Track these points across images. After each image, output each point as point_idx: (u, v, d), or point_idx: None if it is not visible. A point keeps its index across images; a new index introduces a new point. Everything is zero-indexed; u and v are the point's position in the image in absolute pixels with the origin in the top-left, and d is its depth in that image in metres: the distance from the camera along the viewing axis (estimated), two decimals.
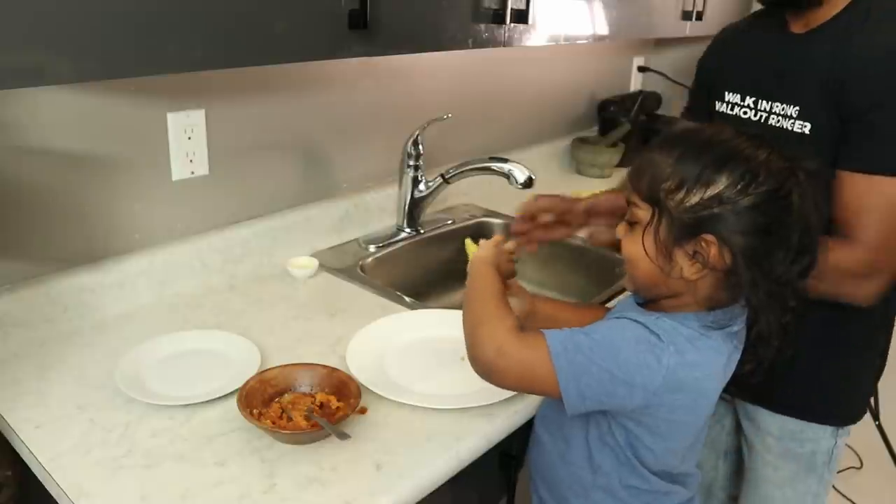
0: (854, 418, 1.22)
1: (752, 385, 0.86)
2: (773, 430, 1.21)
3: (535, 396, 1.02)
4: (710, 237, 0.79)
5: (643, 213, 0.84)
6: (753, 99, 1.12)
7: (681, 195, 0.80)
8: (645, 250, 0.84)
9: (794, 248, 0.79)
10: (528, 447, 1.03)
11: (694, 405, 0.85)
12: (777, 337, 0.82)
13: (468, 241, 1.07)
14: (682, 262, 0.82)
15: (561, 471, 0.95)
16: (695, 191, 0.79)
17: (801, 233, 0.79)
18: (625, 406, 0.82)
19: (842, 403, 1.20)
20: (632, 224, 0.86)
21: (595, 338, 0.81)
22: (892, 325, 1.22)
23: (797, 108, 1.05)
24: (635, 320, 0.83)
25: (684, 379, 0.81)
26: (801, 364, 0.99)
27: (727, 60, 1.19)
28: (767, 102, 1.10)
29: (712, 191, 0.79)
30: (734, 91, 1.15)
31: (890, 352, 1.29)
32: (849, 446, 2.14)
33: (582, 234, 1.13)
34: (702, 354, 0.82)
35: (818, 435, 1.19)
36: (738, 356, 0.88)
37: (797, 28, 1.08)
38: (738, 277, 0.79)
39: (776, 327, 0.81)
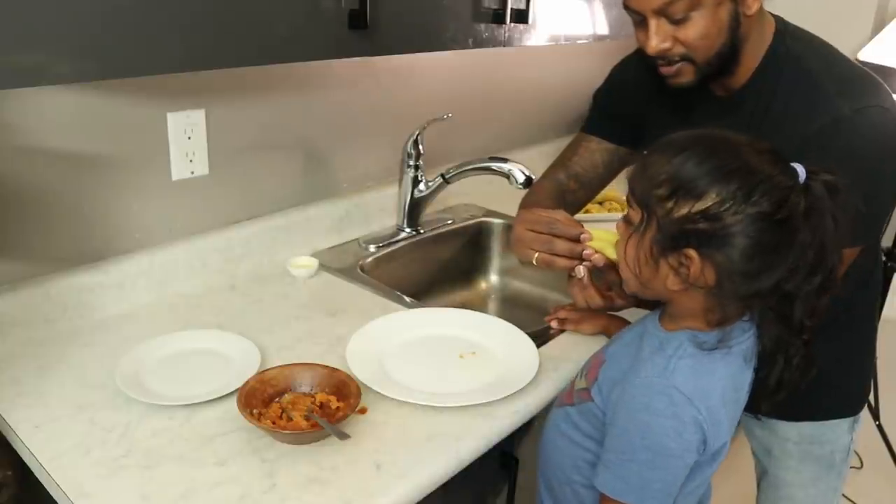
0: (864, 397, 1.24)
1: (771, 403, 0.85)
2: (792, 436, 1.22)
3: (534, 396, 1.03)
4: (692, 253, 0.76)
5: (635, 215, 0.82)
6: None
7: (670, 204, 0.77)
8: (625, 253, 0.82)
9: (805, 267, 0.75)
10: (539, 449, 1.02)
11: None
12: (794, 354, 0.79)
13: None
14: (666, 273, 0.79)
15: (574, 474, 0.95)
16: (684, 202, 0.76)
17: (815, 251, 0.75)
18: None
19: (851, 391, 1.21)
20: (628, 223, 0.84)
21: (641, 458, 0.80)
22: (875, 299, 1.21)
23: None
24: (654, 381, 0.81)
25: (719, 417, 0.81)
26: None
27: (652, 118, 1.12)
28: None
29: (701, 205, 0.75)
30: None
31: (888, 355, 1.29)
32: None
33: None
34: (712, 374, 0.82)
35: (836, 434, 1.20)
36: (749, 372, 0.86)
37: (719, 91, 1.04)
38: (722, 293, 0.77)
39: (783, 346, 0.79)
